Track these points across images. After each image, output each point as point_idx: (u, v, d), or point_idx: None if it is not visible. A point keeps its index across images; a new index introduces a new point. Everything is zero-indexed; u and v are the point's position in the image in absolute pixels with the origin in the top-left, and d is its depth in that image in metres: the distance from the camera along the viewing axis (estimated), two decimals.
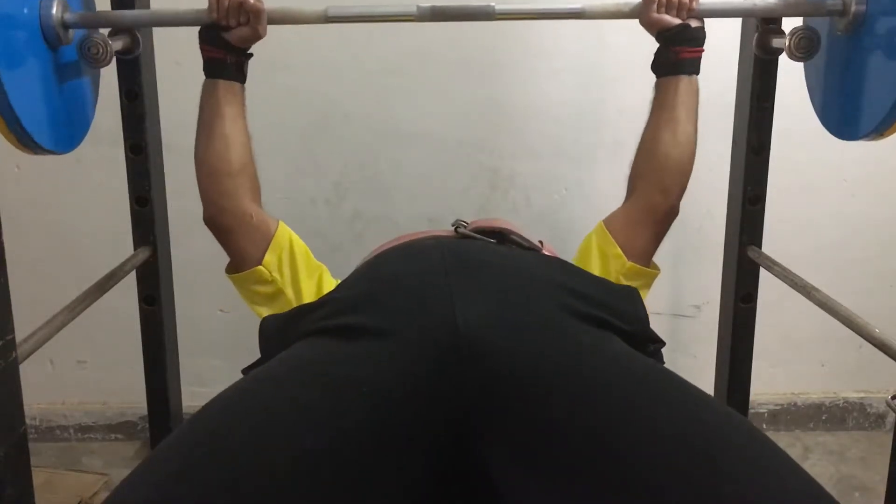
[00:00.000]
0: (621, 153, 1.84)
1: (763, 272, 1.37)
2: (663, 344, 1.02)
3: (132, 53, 1.27)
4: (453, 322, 0.83)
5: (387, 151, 1.85)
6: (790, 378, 2.01)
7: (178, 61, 1.64)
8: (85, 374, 1.94)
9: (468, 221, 1.23)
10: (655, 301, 1.91)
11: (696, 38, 1.18)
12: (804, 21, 1.23)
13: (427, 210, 1.88)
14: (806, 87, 1.28)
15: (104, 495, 1.71)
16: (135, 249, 1.36)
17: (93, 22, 1.16)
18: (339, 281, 1.27)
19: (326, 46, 1.78)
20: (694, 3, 1.16)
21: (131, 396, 1.74)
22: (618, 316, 0.94)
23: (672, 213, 1.21)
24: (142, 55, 1.29)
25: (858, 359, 1.94)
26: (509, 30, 1.79)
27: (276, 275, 1.15)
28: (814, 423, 2.02)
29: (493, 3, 1.16)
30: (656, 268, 1.22)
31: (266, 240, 1.16)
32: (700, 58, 1.19)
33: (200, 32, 1.16)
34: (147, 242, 1.36)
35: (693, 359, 1.97)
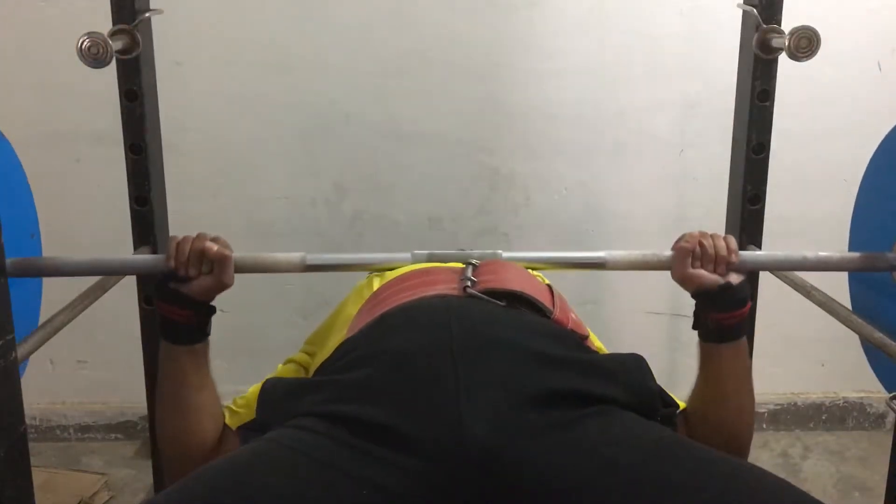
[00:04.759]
0: (621, 153, 1.85)
1: (763, 272, 1.37)
2: (677, 407, 1.00)
3: (132, 53, 1.26)
4: (459, 424, 0.80)
5: (387, 151, 1.85)
6: (790, 378, 2.01)
7: (178, 61, 1.64)
8: (85, 374, 1.94)
9: (476, 262, 1.07)
10: (655, 301, 1.90)
11: (740, 300, 1.00)
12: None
13: (427, 210, 1.88)
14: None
15: (104, 495, 1.72)
16: (135, 249, 1.35)
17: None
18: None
19: (326, 47, 1.78)
20: (734, 256, 1.00)
21: (131, 396, 1.73)
22: (627, 389, 0.91)
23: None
24: (142, 55, 1.28)
25: (858, 359, 1.93)
26: (509, 31, 1.79)
27: (243, 410, 1.02)
28: (814, 422, 2.02)
29: (500, 250, 1.09)
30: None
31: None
32: (745, 319, 1.02)
33: (157, 286, 0.99)
34: (147, 242, 1.36)
35: (693, 359, 1.95)
